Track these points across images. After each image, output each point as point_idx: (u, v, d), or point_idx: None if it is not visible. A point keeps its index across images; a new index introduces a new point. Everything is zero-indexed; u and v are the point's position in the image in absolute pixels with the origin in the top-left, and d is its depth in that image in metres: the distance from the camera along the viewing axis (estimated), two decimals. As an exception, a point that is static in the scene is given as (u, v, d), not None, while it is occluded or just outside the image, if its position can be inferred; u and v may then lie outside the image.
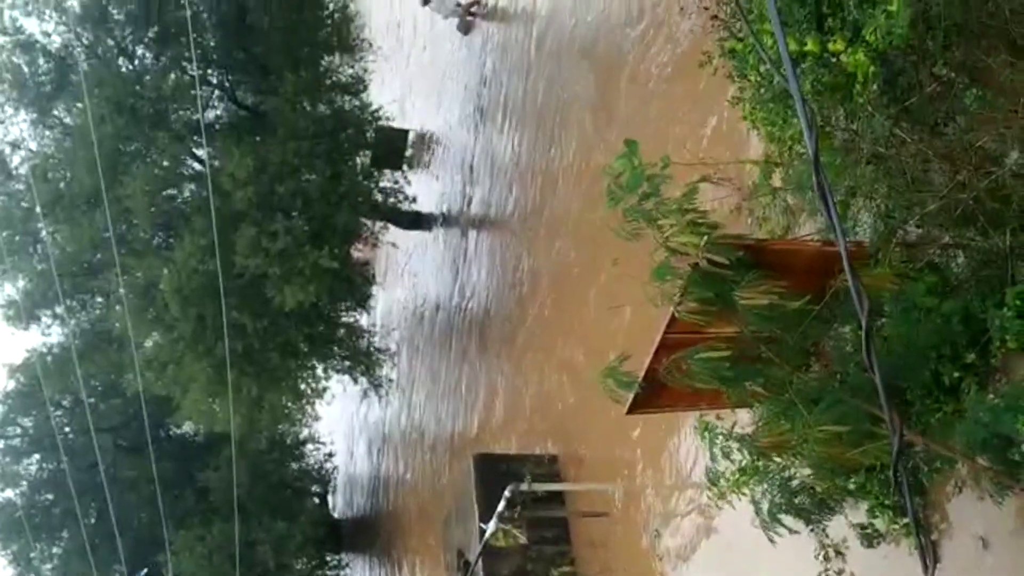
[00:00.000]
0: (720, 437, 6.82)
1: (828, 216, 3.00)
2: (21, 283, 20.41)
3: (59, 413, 25.01)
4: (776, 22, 3.35)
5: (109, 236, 15.93)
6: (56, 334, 22.12)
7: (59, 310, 20.42)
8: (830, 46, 6.65)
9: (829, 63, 6.70)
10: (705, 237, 5.54)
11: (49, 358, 22.34)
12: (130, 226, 18.26)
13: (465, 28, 22.13)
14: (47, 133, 20.04)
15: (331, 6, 21.53)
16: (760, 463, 6.67)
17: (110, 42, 19.28)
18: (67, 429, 24.75)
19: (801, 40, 6.69)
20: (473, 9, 22.00)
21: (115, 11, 19.14)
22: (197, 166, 19.43)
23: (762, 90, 7.45)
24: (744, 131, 9.56)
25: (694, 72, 9.98)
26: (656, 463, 11.90)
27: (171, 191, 19.05)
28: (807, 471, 6.46)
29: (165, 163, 18.32)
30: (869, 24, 6.26)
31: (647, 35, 13.50)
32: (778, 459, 6.42)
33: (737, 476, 7.03)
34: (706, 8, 8.25)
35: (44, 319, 21.06)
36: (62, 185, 18.49)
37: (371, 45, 22.87)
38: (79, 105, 17.85)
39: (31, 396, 24.62)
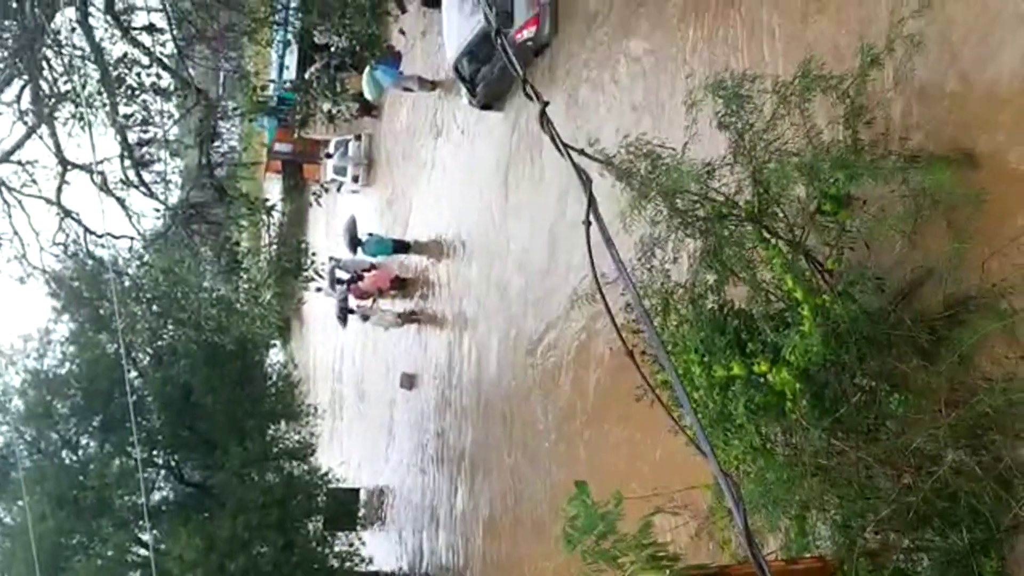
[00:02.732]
0: None
1: (748, 548, 3.02)
2: None
3: None
4: (673, 376, 3.54)
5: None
6: None
7: None
8: (755, 368, 6.96)
9: (758, 383, 6.99)
10: (667, 571, 5.48)
11: None
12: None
13: (409, 384, 22.67)
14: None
15: (274, 376, 22.08)
16: None
17: (54, 436, 19.30)
18: None
19: (727, 366, 7.01)
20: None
21: (59, 405, 19.34)
22: (143, 552, 18.81)
23: (699, 415, 7.67)
24: (691, 455, 9.70)
25: (633, 406, 10.28)
26: None
27: (116, 582, 18.29)
28: None
29: (109, 552, 17.75)
30: (787, 345, 6.61)
31: (584, 377, 13.97)
32: None
33: None
34: (634, 345, 8.62)
35: None
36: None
37: (316, 409, 23.23)
38: (19, 503, 17.48)
39: None
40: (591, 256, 3.18)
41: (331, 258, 25.17)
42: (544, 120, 3.00)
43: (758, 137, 6.75)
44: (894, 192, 6.64)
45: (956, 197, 6.28)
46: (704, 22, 10.80)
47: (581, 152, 3.30)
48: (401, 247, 23.27)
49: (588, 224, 3.06)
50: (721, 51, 10.37)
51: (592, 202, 2.93)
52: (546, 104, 3.10)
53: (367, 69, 21.72)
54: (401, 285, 23.38)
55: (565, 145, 3.12)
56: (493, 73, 16.26)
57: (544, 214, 15.02)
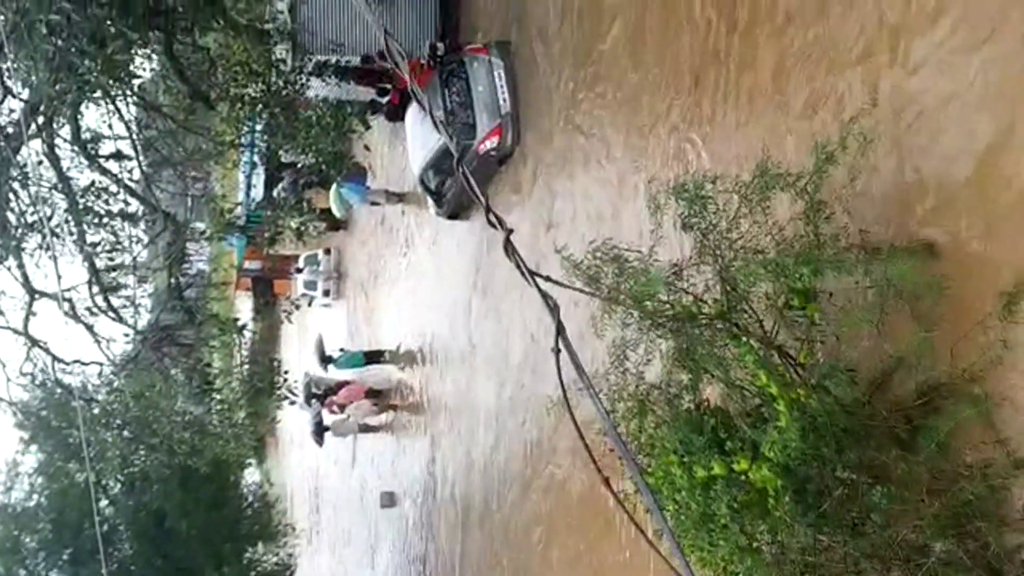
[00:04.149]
0: None
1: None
2: None
3: None
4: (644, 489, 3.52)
5: None
6: None
7: None
8: (735, 466, 6.92)
9: (739, 482, 6.95)
10: None
11: None
12: None
13: (390, 501, 22.29)
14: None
15: (250, 497, 21.66)
16: None
17: (22, 572, 18.72)
18: None
19: (707, 466, 6.97)
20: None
21: (28, 539, 18.82)
22: None
23: (682, 517, 7.58)
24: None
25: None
26: None
27: None
28: None
29: None
30: (765, 441, 6.59)
31: (569, 482, 13.78)
32: None
33: None
34: (611, 449, 8.56)
35: None
36: None
37: (294, 529, 22.75)
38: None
39: None
40: (563, 385, 3.19)
41: (305, 373, 25.02)
42: (509, 248, 3.04)
43: (722, 236, 6.87)
44: (859, 284, 6.73)
45: (919, 287, 6.38)
46: (667, 125, 11.07)
47: (547, 279, 3.33)
48: (374, 358, 23.19)
49: (557, 352, 3.08)
50: (683, 152, 10.61)
51: (560, 329, 2.96)
52: (510, 232, 3.15)
53: (334, 187, 22.00)
54: (376, 397, 23.22)
55: (532, 273, 3.16)
56: (457, 185, 16.51)
57: (516, 318, 15.07)
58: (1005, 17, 6.60)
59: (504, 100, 15.40)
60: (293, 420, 29.58)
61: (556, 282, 3.53)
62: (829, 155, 6.65)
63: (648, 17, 11.67)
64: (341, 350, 24.53)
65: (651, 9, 11.63)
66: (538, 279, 3.18)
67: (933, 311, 6.49)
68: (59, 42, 11.44)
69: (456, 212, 17.60)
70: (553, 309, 3.10)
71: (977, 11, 6.86)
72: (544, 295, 3.13)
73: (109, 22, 11.77)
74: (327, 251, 28.58)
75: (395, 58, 3.53)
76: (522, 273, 3.09)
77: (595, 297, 6.68)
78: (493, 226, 3.14)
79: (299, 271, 30.10)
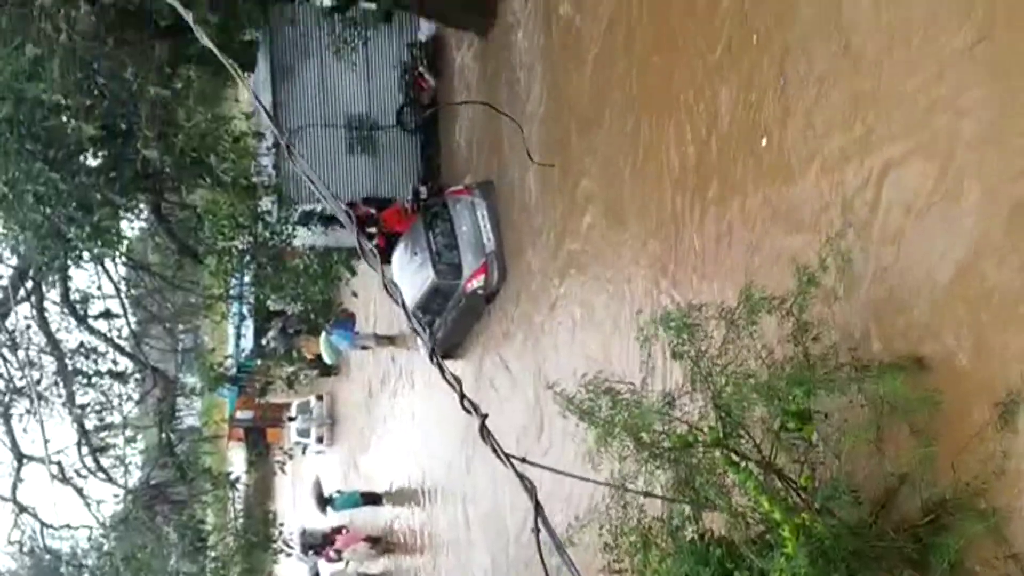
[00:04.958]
0: None
1: None
2: None
3: None
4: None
5: None
6: None
7: None
8: (745, 597, 6.75)
9: (751, 613, 6.75)
10: None
11: None
12: None
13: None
14: None
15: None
16: None
17: None
18: None
19: (717, 599, 6.78)
20: None
21: None
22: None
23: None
24: None
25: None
26: None
27: None
28: None
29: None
30: (773, 569, 6.44)
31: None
32: None
33: None
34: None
35: None
36: None
37: None
38: None
39: None
40: (544, 564, 3.14)
41: (301, 527, 24.57)
42: (484, 432, 3.05)
43: (712, 363, 6.88)
44: (852, 402, 6.72)
45: (912, 402, 6.36)
46: (648, 253, 11.22)
47: (523, 460, 3.33)
48: (371, 499, 22.86)
49: (537, 532, 3.04)
50: (670, 280, 10.73)
51: (539, 510, 2.93)
52: (485, 417, 3.16)
53: (323, 334, 22.05)
54: (374, 543, 22.72)
55: (507, 455, 3.15)
56: (447, 325, 16.58)
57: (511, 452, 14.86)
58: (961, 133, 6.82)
59: (488, 239, 15.64)
60: (290, 573, 28.78)
61: (532, 464, 3.50)
62: (810, 277, 6.74)
63: (622, 158, 11.97)
64: (338, 491, 24.18)
65: (625, 150, 11.94)
66: (514, 461, 3.16)
67: (930, 425, 6.45)
68: (47, 210, 11.65)
69: (446, 352, 17.60)
70: (530, 491, 3.07)
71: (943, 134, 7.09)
72: (521, 476, 3.11)
73: (97, 189, 12.04)
74: (319, 397, 28.41)
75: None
76: (499, 457, 3.08)
77: (589, 424, 6.63)
78: (467, 411, 3.15)
79: (292, 419, 29.84)
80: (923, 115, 7.18)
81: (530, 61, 14.73)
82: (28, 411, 14.94)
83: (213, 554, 16.40)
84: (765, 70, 9.06)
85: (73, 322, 15.39)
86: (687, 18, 10.62)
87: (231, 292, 16.79)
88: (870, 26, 7.74)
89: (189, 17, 3.61)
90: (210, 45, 3.33)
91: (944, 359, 6.81)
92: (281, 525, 17.23)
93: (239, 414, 33.86)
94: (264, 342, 22.16)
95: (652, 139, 11.23)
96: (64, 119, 11.48)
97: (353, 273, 16.69)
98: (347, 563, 23.03)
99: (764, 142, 9.04)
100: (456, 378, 3.19)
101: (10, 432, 14.92)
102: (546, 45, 14.26)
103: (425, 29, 19.02)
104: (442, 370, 3.14)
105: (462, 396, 3.06)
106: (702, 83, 10.13)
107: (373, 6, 14.93)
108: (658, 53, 11.19)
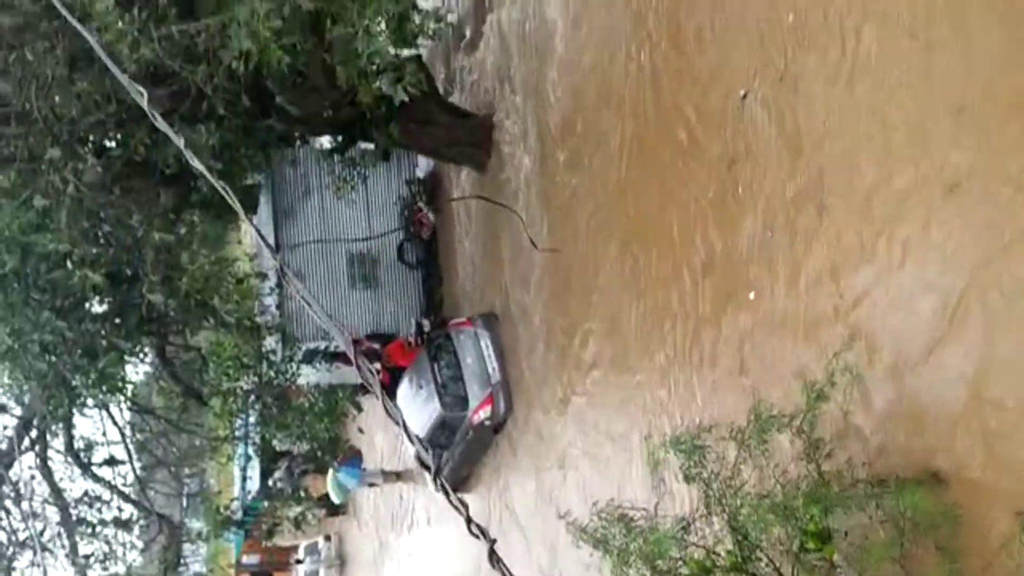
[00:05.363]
0: None
1: None
2: None
3: None
4: None
5: None
6: None
7: None
8: None
9: None
10: None
11: None
12: None
13: None
14: None
15: None
16: None
17: None
18: None
19: None
20: None
21: None
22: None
23: None
24: None
25: None
26: None
27: None
28: None
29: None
30: None
31: None
32: None
33: None
34: None
35: None
36: None
37: None
38: None
39: None
40: None
41: None
42: (494, 558, 2.99)
43: (726, 485, 6.77)
44: (872, 519, 6.58)
45: (933, 516, 6.23)
46: (654, 380, 11.18)
47: None
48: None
49: None
50: (678, 400, 10.65)
51: None
52: (494, 542, 3.11)
53: (330, 472, 21.78)
54: None
55: None
56: (455, 458, 16.40)
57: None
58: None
59: (493, 369, 15.61)
60: None
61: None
62: (819, 393, 6.70)
63: (623, 290, 12.04)
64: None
65: (624, 281, 12.02)
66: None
67: (954, 541, 6.29)
68: (53, 359, 11.69)
69: (455, 486, 17.34)
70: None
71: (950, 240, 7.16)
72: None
73: (102, 335, 12.11)
74: (327, 538, 27.80)
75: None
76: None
77: (604, 553, 6.48)
78: (476, 536, 3.10)
79: (299, 562, 29.14)
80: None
81: (528, 193, 14.99)
82: (32, 563, 14.63)
83: None
84: (755, 219, 9.20)
85: (77, 470, 15.23)
86: (679, 162, 10.79)
87: (236, 433, 16.67)
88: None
89: (199, 164, 3.71)
90: (220, 188, 3.41)
91: (960, 471, 6.69)
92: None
93: (245, 559, 33.06)
94: (270, 483, 21.84)
95: (653, 273, 11.32)
96: (70, 268, 11.63)
97: (359, 409, 16.63)
98: None
99: (752, 296, 9.12)
100: (463, 501, 3.14)
101: (13, 587, 14.57)
102: (542, 183, 14.51)
103: (423, 165, 19.46)
104: (447, 493, 3.09)
105: (468, 520, 3.00)
106: (694, 226, 10.27)
107: (371, 146, 15.30)
108: (652, 194, 11.36)
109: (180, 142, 3.62)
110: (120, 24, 9.94)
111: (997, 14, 6.61)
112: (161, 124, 3.69)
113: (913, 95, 7.28)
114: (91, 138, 11.88)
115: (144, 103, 3.61)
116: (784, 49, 8.83)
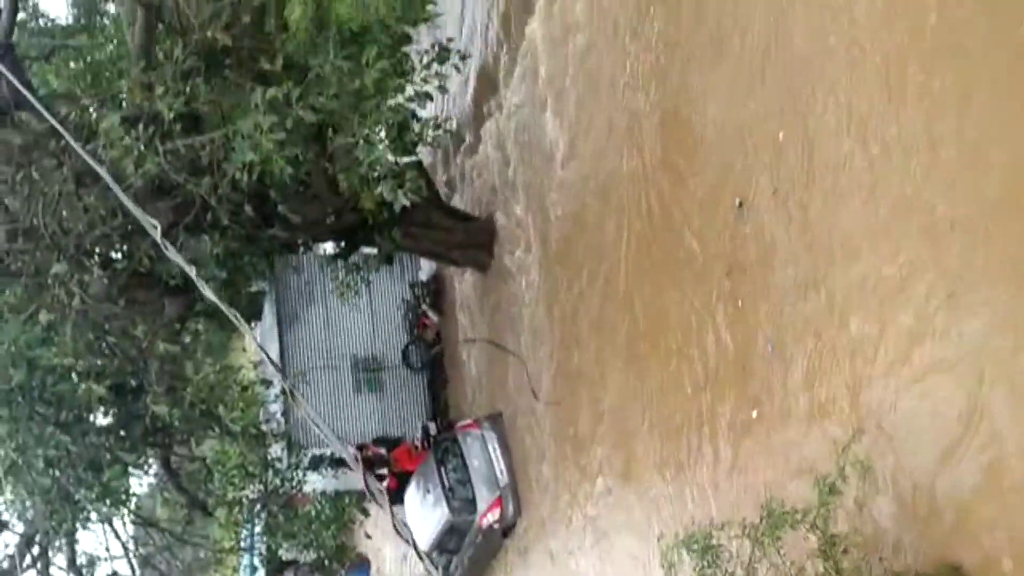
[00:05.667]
0: None
1: None
2: None
3: None
4: None
5: None
6: None
7: None
8: None
9: None
10: None
11: None
12: None
13: None
14: None
15: None
16: None
17: None
18: None
19: None
20: None
21: None
22: None
23: None
24: None
25: None
26: None
27: None
28: None
29: None
30: None
31: None
32: None
33: None
34: None
35: None
36: None
37: None
38: None
39: None
40: None
41: None
42: None
43: (742, 585, 6.63)
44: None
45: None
46: (667, 475, 11.04)
47: None
48: None
49: None
50: (688, 496, 10.49)
51: None
52: None
53: (338, 582, 21.37)
54: None
55: None
56: (463, 564, 16.09)
57: None
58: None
59: (501, 472, 15.42)
60: None
61: None
62: (831, 487, 6.61)
63: (630, 397, 11.97)
64: None
65: (631, 386, 11.96)
66: None
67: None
68: (56, 473, 11.59)
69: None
70: None
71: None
72: None
73: (107, 448, 12.02)
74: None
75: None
76: None
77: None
78: None
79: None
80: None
81: (531, 298, 15.02)
82: None
83: None
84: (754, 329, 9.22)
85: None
86: (679, 271, 10.85)
87: (242, 544, 16.41)
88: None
89: (198, 278, 3.74)
90: (219, 303, 3.44)
91: (984, 564, 6.53)
92: None
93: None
94: (277, 594, 21.39)
95: (656, 376, 11.29)
96: (75, 380, 11.61)
97: (366, 515, 16.40)
98: None
99: (755, 414, 9.08)
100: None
101: None
102: (546, 288, 14.55)
103: (426, 268, 19.62)
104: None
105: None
106: (695, 336, 10.28)
107: (374, 250, 15.44)
108: (655, 303, 11.40)
109: (192, 271, 3.66)
110: (126, 140, 10.16)
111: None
112: (172, 254, 3.74)
113: (906, 208, 7.26)
114: (97, 250, 12.00)
115: (157, 236, 3.67)
116: (775, 165, 8.88)
